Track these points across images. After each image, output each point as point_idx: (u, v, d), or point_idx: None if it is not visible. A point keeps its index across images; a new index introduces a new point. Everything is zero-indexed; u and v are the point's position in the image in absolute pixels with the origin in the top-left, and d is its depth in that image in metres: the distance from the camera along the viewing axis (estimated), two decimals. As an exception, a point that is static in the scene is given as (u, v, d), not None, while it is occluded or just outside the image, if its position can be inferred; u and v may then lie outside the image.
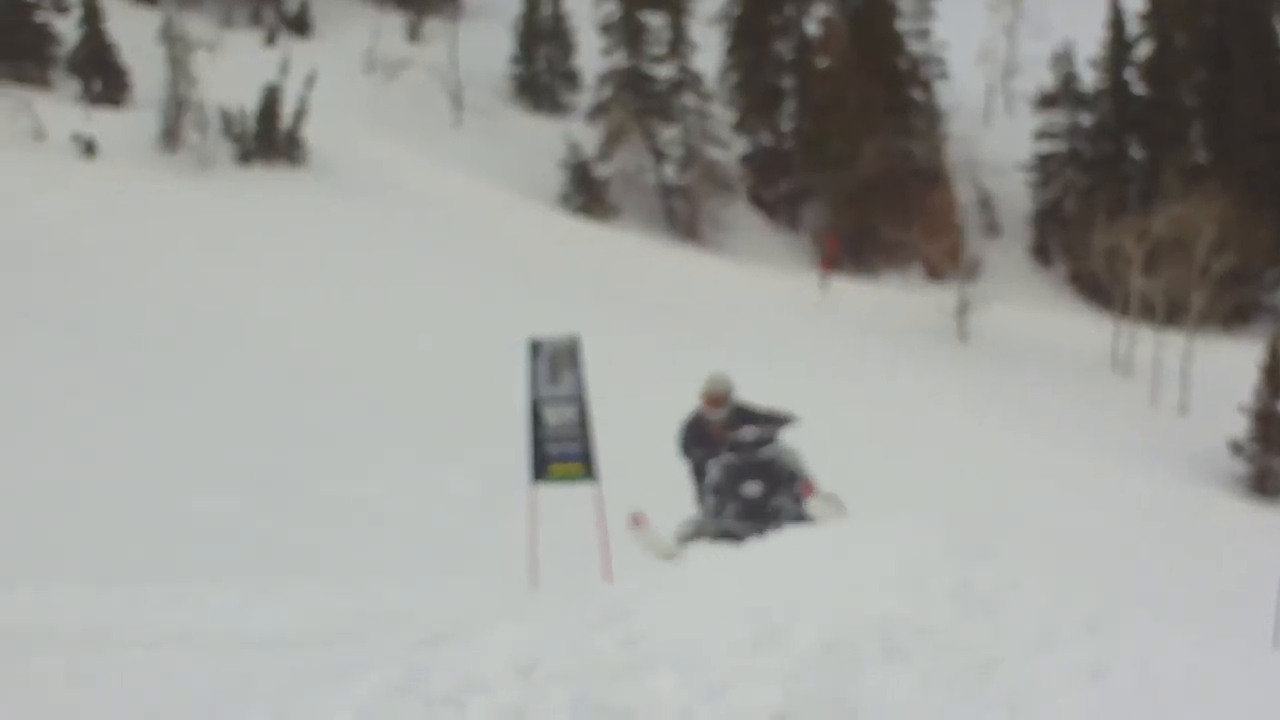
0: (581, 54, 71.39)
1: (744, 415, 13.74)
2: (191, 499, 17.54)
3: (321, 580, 13.73)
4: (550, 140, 63.28)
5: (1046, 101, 74.91)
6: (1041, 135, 74.41)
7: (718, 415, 13.60)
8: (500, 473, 14.73)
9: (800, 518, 13.57)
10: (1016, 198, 73.21)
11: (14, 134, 45.44)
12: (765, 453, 13.77)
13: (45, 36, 56.60)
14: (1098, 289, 62.98)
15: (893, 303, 53.82)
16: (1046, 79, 75.45)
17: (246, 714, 8.47)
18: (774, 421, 13.94)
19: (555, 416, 13.88)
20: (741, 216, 67.70)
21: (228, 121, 52.11)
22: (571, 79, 72.08)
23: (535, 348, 13.86)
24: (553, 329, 14.10)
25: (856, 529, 11.60)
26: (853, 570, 10.39)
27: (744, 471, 13.62)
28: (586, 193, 62.48)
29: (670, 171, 66.64)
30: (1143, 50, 74.20)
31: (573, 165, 62.60)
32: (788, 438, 14.14)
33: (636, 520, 13.72)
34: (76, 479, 17.88)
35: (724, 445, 13.72)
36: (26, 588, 11.97)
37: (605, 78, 68.06)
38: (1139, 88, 74.17)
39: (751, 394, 13.64)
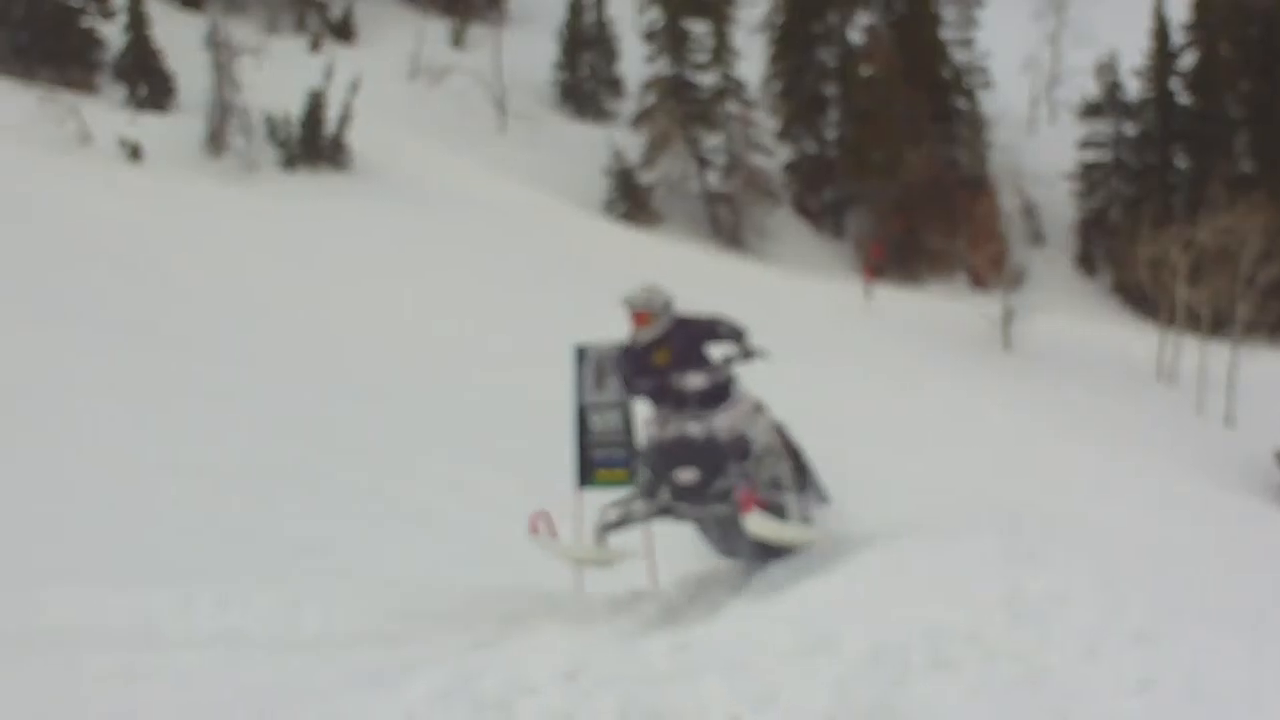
0: (625, 61, 71.49)
1: (685, 329, 12.69)
2: (233, 499, 17.57)
3: (369, 581, 13.75)
4: (594, 147, 63.40)
5: (1091, 111, 74.78)
6: (1086, 144, 74.28)
7: (649, 334, 12.60)
8: (543, 475, 14.69)
9: (769, 500, 12.46)
10: (1061, 207, 73.12)
11: (61, 138, 45.68)
12: (697, 430, 12.35)
13: (91, 42, 56.96)
14: (1142, 299, 62.67)
15: (937, 311, 53.69)
16: (1090, 88, 75.35)
17: (297, 715, 8.51)
18: (718, 333, 12.66)
19: (601, 422, 13.76)
20: (785, 224, 67.74)
21: (272, 126, 52.21)
22: (615, 86, 72.17)
23: (581, 354, 13.72)
24: (599, 333, 14.04)
25: (905, 537, 11.56)
26: (902, 578, 10.38)
27: (676, 456, 12.43)
28: (630, 199, 62.53)
29: (714, 179, 66.67)
30: (1187, 60, 73.89)
31: (617, 172, 62.66)
32: (754, 397, 12.84)
33: (535, 525, 12.65)
34: (115, 477, 17.93)
35: (669, 387, 12.50)
36: (75, 585, 12.01)
37: (649, 85, 68.06)
38: (1184, 97, 73.84)
39: (799, 396, 13.36)
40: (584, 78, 71.89)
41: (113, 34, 57.04)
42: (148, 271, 31.70)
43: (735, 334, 12.76)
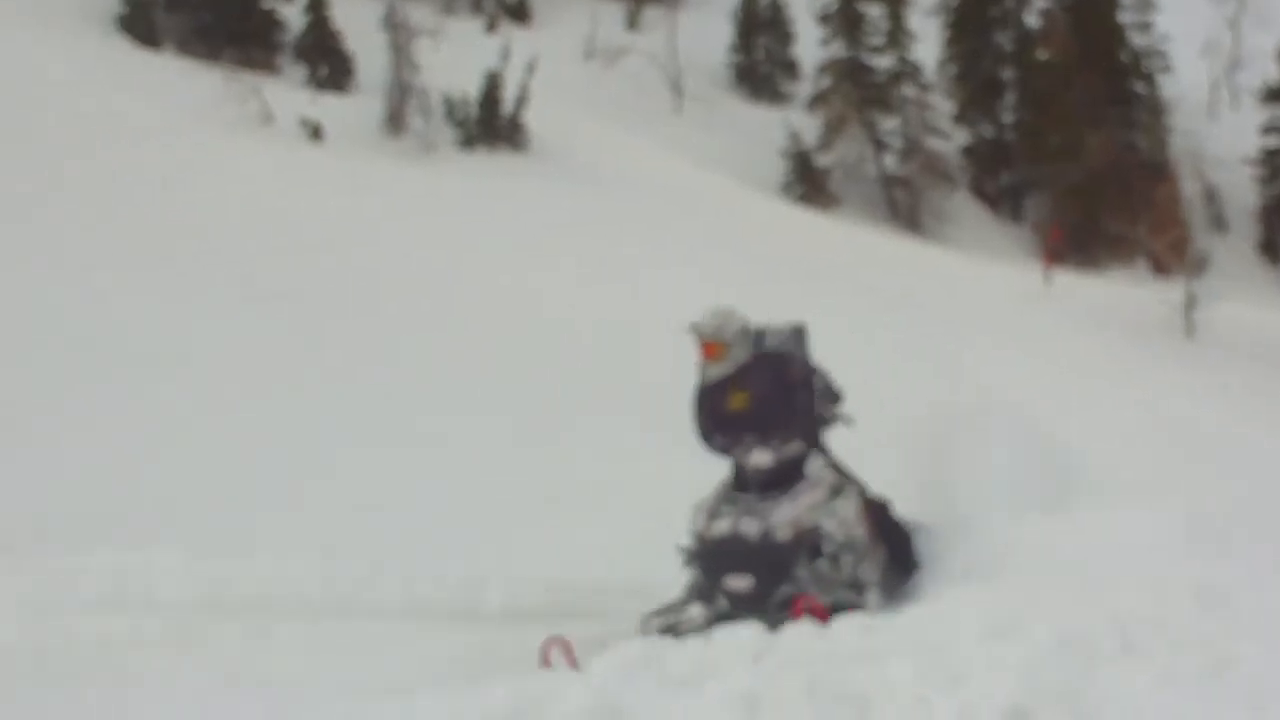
0: (800, 43, 71.28)
1: (769, 367, 11.28)
2: (416, 475, 17.79)
3: (557, 555, 13.88)
4: (769, 129, 63.19)
5: (1272, 95, 73.27)
6: (1268, 129, 72.77)
7: (719, 370, 11.36)
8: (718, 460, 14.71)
9: (841, 603, 10.80)
10: (1243, 193, 71.86)
11: (244, 118, 46.27)
12: (752, 528, 10.78)
13: (272, 23, 57.78)
14: (1327, 287, 61.69)
15: (1118, 296, 52.92)
16: (1272, 72, 73.92)
17: (482, 688, 8.61)
18: (814, 387, 11.23)
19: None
20: (963, 208, 67.18)
21: (450, 107, 52.46)
22: (790, 68, 71.87)
23: (758, 338, 13.43)
24: (782, 315, 14.01)
25: (1090, 525, 11.48)
26: (1090, 566, 10.33)
27: (726, 558, 10.90)
28: (807, 182, 62.17)
29: (891, 162, 66.17)
30: (1372, 43, 72.45)
31: (793, 154, 62.40)
32: (832, 477, 11.45)
33: (547, 657, 9.97)
34: (299, 450, 18.24)
35: (744, 439, 11.21)
36: (265, 556, 12.24)
37: (824, 67, 67.59)
38: (1367, 82, 72.41)
39: (980, 381, 13.19)
40: (759, 60, 71.63)
41: (293, 16, 57.88)
42: (337, 247, 32.12)
43: (831, 395, 11.62)
